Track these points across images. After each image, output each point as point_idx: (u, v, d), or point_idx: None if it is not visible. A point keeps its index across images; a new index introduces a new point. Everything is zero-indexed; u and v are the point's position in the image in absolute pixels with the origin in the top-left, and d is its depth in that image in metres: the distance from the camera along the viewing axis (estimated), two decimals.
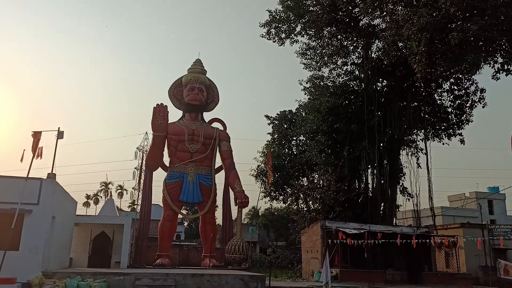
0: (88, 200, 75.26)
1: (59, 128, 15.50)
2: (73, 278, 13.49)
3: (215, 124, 24.23)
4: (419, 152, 28.47)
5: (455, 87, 27.00)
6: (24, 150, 14.62)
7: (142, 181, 23.08)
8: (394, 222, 26.99)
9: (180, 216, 24.14)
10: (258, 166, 35.31)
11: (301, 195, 33.79)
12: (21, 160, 14.71)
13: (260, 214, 54.50)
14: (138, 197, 24.88)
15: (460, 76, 24.56)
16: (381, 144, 26.73)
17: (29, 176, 14.27)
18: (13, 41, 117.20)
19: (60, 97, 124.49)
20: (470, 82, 26.28)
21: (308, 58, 29.05)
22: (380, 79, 28.13)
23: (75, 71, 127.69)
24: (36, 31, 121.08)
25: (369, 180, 27.32)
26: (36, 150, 14.49)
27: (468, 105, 26.78)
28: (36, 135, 14.64)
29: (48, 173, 15.18)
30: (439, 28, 19.26)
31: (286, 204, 38.29)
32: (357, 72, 28.83)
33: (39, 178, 14.60)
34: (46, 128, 16.32)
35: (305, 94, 29.95)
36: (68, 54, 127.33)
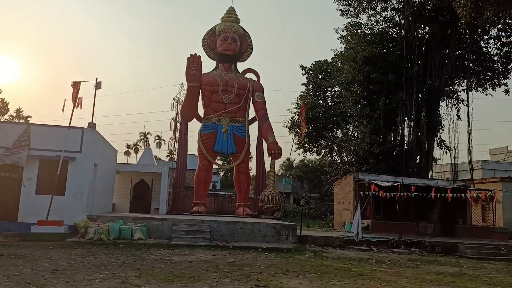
0: (129, 149, 78.28)
1: (96, 78, 15.92)
2: (116, 221, 14.37)
3: (249, 75, 24.08)
4: (459, 103, 27.31)
5: (503, 34, 25.19)
6: (65, 100, 15.21)
7: (177, 131, 23.61)
8: (430, 175, 26.56)
9: (215, 166, 24.76)
10: (292, 117, 35.14)
11: (335, 147, 33.66)
12: (63, 109, 15.38)
13: (294, 165, 54.99)
14: (175, 147, 25.54)
15: (509, 21, 22.82)
16: (419, 95, 25.77)
17: (71, 126, 14.94)
18: None
19: (98, 48, 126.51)
20: None
21: (346, 3, 27.68)
22: (422, 26, 26.56)
23: (114, 23, 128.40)
24: None
25: (405, 133, 26.66)
26: (76, 100, 15.03)
27: None
28: (76, 85, 15.14)
29: (88, 123, 15.83)
30: None
31: (320, 156, 38.34)
32: (397, 19, 27.30)
33: (80, 127, 15.28)
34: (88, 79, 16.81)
35: (341, 43, 28.87)
36: (106, 7, 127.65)
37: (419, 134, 25.66)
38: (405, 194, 18.71)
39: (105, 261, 9.94)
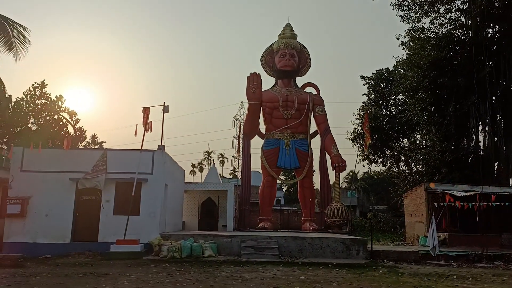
0: (194, 169, 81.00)
1: (164, 103, 16.74)
2: (187, 239, 14.81)
3: (309, 89, 24.04)
4: None
5: None
6: (137, 125, 16.13)
7: (240, 149, 24.03)
8: (510, 183, 24.52)
9: (278, 181, 24.81)
10: (355, 129, 34.30)
11: (402, 157, 32.32)
12: (135, 134, 16.32)
13: (358, 177, 53.55)
14: (238, 165, 26.01)
15: None
16: (494, 98, 24.09)
17: (143, 149, 15.78)
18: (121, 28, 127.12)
19: (161, 74, 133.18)
20: None
21: (406, 9, 26.77)
22: (490, 25, 24.98)
23: (175, 48, 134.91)
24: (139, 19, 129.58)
25: (480, 138, 24.96)
26: (147, 124, 15.87)
27: None
28: (146, 111, 16.00)
29: (158, 145, 16.61)
30: None
31: (386, 167, 36.95)
32: (463, 19, 25.90)
33: (151, 150, 16.08)
34: (152, 104, 17.70)
35: (403, 49, 27.91)
36: (169, 32, 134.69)
37: (496, 139, 23.92)
38: (484, 204, 17.42)
39: (179, 278, 10.25)
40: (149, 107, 16.11)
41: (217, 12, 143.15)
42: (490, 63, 23.93)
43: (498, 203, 17.44)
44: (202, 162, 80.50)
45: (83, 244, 14.88)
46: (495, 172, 24.11)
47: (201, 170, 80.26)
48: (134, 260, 13.36)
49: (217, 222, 22.18)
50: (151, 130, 16.06)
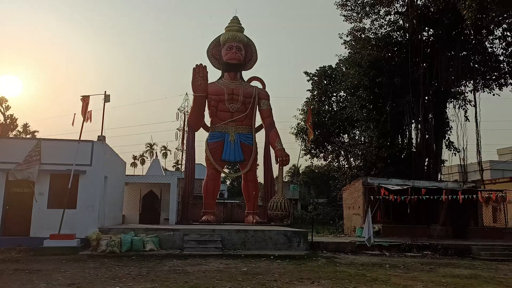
0: (135, 161, 78.67)
1: (105, 92, 15.99)
2: (127, 233, 14.39)
3: (254, 83, 24.18)
4: (467, 104, 27.17)
5: (508, 33, 25.12)
6: (75, 114, 15.31)
7: (185, 141, 23.69)
8: (439, 177, 26.38)
9: (222, 174, 24.81)
10: (298, 124, 35.11)
11: (342, 152, 33.55)
12: (73, 123, 15.45)
13: (300, 172, 54.89)
14: (182, 157, 25.64)
15: None
16: (426, 98, 25.70)
17: (81, 139, 15.05)
18: (63, 10, 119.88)
19: (104, 61, 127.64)
20: None
21: (349, 9, 27.73)
22: (426, 28, 26.57)
23: (117, 37, 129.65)
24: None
25: (413, 135, 26.58)
26: (86, 114, 15.14)
27: None
28: (85, 99, 15.25)
29: (98, 136, 15.93)
30: None
31: (327, 162, 38.22)
32: (401, 22, 27.32)
33: (90, 141, 15.38)
34: (92, 92, 16.92)
35: (345, 48, 28.93)
36: (110, 20, 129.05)
37: (427, 136, 25.55)
38: (415, 197, 18.60)
39: (119, 273, 9.95)
40: (88, 96, 15.38)
41: (164, 1, 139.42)
42: (424, 64, 25.48)
43: (427, 197, 18.69)
44: (144, 154, 78.43)
45: (13, 239, 13.98)
46: (425, 167, 25.76)
47: (142, 163, 78.16)
48: (70, 255, 12.76)
49: (159, 215, 21.76)
50: (90, 120, 15.36)
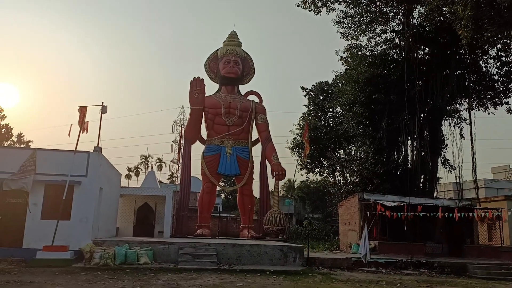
0: (130, 173, 78.20)
1: (102, 103, 15.99)
2: (122, 246, 14.21)
3: (251, 97, 24.28)
4: (462, 122, 27.40)
5: (503, 54, 25.51)
6: (72, 124, 15.27)
7: (181, 154, 23.61)
8: (434, 194, 26.42)
9: (218, 188, 24.68)
10: (294, 138, 35.16)
11: (337, 167, 33.54)
12: (69, 134, 15.43)
13: (296, 186, 54.74)
14: (177, 170, 25.53)
15: (509, 41, 23.13)
16: (422, 115, 25.89)
17: (77, 150, 14.96)
18: (62, 23, 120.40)
19: (102, 73, 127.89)
20: None
21: (345, 26, 28.11)
22: (422, 47, 26.93)
23: (114, 50, 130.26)
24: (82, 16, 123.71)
25: (409, 152, 26.68)
26: (83, 125, 15.09)
27: None
28: (82, 110, 15.24)
29: (94, 147, 15.83)
30: None
31: (323, 177, 38.17)
32: (397, 40, 27.70)
33: (86, 151, 15.27)
34: (90, 103, 16.87)
35: (342, 64, 29.23)
36: (108, 33, 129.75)
37: (423, 153, 25.67)
38: (411, 214, 18.57)
39: (112, 286, 9.80)
40: (86, 107, 15.38)
41: (161, 15, 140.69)
42: (420, 82, 25.76)
43: (424, 213, 18.66)
44: (139, 166, 78.03)
45: (6, 250, 13.73)
46: (421, 184, 25.81)
47: (137, 175, 77.73)
48: (63, 268, 12.56)
49: (154, 228, 21.50)
50: (87, 131, 15.30)
